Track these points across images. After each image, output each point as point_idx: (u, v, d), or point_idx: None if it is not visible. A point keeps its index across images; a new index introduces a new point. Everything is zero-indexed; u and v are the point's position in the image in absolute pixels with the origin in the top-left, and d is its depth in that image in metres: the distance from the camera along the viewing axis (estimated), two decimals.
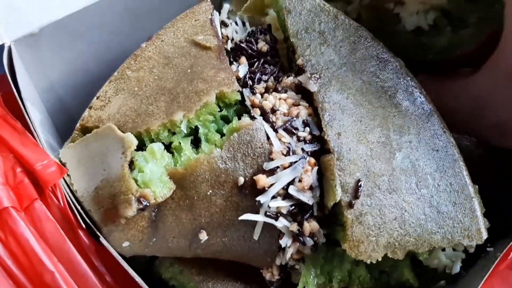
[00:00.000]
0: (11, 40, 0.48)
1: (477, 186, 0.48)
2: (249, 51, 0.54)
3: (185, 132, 0.47)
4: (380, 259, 0.45)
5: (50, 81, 0.57)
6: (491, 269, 0.46)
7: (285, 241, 0.46)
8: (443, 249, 0.48)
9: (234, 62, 0.53)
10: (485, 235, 0.46)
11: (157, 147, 0.45)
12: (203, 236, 0.46)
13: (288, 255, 0.46)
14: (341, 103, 0.48)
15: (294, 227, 0.45)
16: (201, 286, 0.50)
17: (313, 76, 0.49)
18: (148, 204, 0.42)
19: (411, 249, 0.44)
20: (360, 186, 0.44)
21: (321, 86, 0.48)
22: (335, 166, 0.44)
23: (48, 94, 0.57)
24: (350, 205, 0.44)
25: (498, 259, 0.46)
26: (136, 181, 0.43)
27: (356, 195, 0.44)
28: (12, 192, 0.42)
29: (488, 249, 0.51)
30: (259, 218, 0.45)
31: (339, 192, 0.43)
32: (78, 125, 0.48)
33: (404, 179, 0.45)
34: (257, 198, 0.43)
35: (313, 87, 0.48)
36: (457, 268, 0.48)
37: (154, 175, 0.43)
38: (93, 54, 0.60)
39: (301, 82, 0.49)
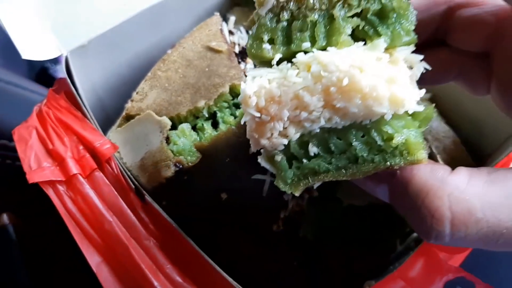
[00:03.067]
0: (67, 51, 0.59)
1: None
2: None
3: (206, 116, 0.58)
4: None
5: (92, 84, 0.68)
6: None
7: (287, 196, 0.58)
8: None
9: (242, 62, 0.65)
10: None
11: (186, 127, 0.56)
12: (224, 195, 0.58)
13: (290, 207, 0.59)
14: None
15: None
16: None
17: None
18: (182, 166, 0.54)
19: None
20: None
21: None
22: None
23: (90, 94, 0.68)
24: None
25: None
26: (172, 151, 0.55)
27: None
28: (78, 164, 0.53)
29: None
30: (267, 177, 0.57)
31: None
32: (123, 113, 0.60)
33: None
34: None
35: None
36: None
37: (186, 147, 0.55)
38: (124, 61, 0.71)
39: None
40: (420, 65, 0.36)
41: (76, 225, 0.52)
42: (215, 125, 0.59)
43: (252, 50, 0.37)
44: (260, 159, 0.38)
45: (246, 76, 0.61)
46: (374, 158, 0.35)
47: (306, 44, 0.36)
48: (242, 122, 0.37)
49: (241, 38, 0.69)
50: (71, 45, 0.60)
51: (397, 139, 0.34)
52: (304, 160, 0.36)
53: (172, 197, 0.57)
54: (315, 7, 0.36)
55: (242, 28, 0.70)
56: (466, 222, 0.33)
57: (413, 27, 0.37)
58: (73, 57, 0.61)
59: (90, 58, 0.64)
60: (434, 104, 0.37)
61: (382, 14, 0.36)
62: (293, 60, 0.36)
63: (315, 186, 0.38)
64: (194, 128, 0.58)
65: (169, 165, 0.54)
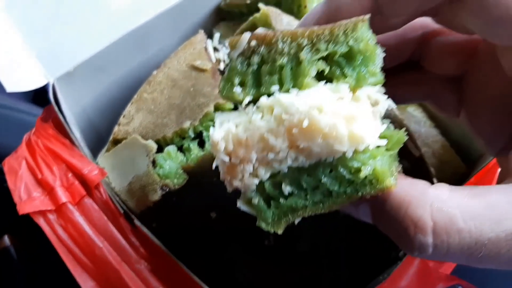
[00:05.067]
0: (53, 79, 0.60)
1: None
2: None
3: (193, 136, 0.58)
4: None
5: (82, 108, 0.69)
6: None
7: None
8: None
9: None
10: None
11: (172, 149, 0.57)
12: (213, 214, 0.59)
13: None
14: None
15: None
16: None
17: None
18: (169, 190, 0.55)
19: None
20: None
21: None
22: None
23: (81, 117, 0.69)
24: None
25: None
26: (158, 175, 0.55)
27: None
28: (67, 192, 0.55)
29: None
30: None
31: None
32: (110, 138, 0.61)
33: None
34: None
35: None
36: None
37: (172, 170, 0.56)
38: (113, 83, 0.72)
39: None
40: (385, 102, 0.37)
41: (68, 252, 0.53)
42: (202, 144, 0.59)
43: (224, 93, 0.38)
44: (239, 204, 0.38)
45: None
46: (346, 190, 0.35)
47: (275, 87, 0.37)
48: (213, 167, 0.37)
49: (227, 54, 0.69)
50: (58, 73, 0.61)
51: (364, 172, 0.34)
52: (281, 200, 0.37)
53: (162, 219, 0.58)
54: (284, 51, 0.36)
55: (227, 44, 0.71)
56: (448, 231, 0.33)
57: (379, 70, 0.37)
58: (60, 84, 0.62)
59: (77, 83, 0.65)
60: (404, 128, 0.38)
61: (349, 56, 0.37)
62: (257, 104, 0.36)
63: (296, 222, 0.38)
64: (181, 148, 0.59)
65: (156, 189, 0.55)
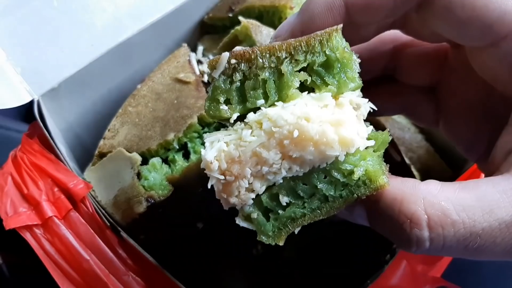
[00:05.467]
0: (38, 96, 0.61)
1: None
2: None
3: (177, 147, 0.59)
4: None
5: (68, 123, 0.69)
6: None
7: None
8: None
9: None
10: None
11: (156, 161, 0.58)
12: (200, 224, 0.59)
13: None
14: None
15: None
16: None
17: None
18: (154, 201, 0.55)
19: None
20: None
21: None
22: None
23: (67, 133, 0.69)
24: None
25: None
26: (143, 186, 0.56)
27: None
28: (53, 206, 0.55)
29: None
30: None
31: None
32: (96, 152, 0.62)
33: None
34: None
35: None
36: None
37: (157, 181, 0.56)
38: (99, 98, 0.72)
39: None
40: (367, 106, 0.38)
41: (56, 266, 0.53)
42: (187, 155, 0.60)
43: (210, 112, 0.38)
44: (238, 221, 0.39)
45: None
46: (341, 193, 0.36)
47: (260, 101, 0.38)
48: (209, 186, 0.38)
49: (207, 74, 0.70)
50: (42, 89, 0.62)
51: (357, 173, 0.36)
52: (280, 211, 0.37)
53: (149, 230, 0.58)
54: (264, 66, 0.37)
55: (211, 56, 0.72)
56: (442, 224, 0.33)
57: (357, 75, 0.39)
58: (45, 101, 0.62)
59: (62, 99, 0.66)
60: (388, 129, 0.39)
61: (328, 65, 0.38)
62: (245, 120, 0.37)
63: (296, 231, 0.38)
64: (166, 160, 0.59)
65: (141, 201, 0.55)
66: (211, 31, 0.80)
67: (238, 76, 0.38)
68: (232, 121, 0.38)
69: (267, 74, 0.38)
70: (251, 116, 0.37)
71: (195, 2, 0.75)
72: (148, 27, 0.69)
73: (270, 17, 0.72)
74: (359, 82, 0.39)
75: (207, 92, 0.63)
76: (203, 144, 0.59)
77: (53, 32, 0.64)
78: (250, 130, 0.37)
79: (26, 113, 1.03)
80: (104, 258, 0.54)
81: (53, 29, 0.64)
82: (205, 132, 0.60)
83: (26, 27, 0.62)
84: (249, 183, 0.37)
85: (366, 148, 0.37)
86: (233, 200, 0.37)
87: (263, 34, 0.66)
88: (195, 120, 0.59)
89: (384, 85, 0.50)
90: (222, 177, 0.36)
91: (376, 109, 0.38)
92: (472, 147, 0.48)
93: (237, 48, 0.39)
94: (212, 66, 0.38)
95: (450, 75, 0.47)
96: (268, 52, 0.37)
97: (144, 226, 0.57)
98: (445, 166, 0.72)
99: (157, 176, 0.57)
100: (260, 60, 0.37)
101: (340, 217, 0.42)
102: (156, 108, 0.62)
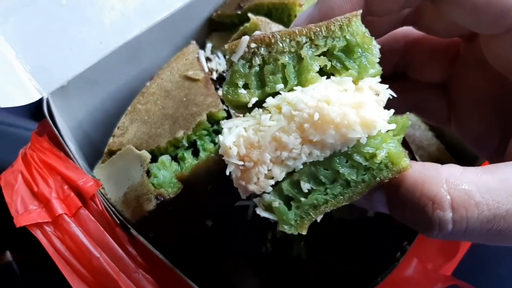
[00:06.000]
0: (47, 93, 0.61)
1: None
2: None
3: (186, 145, 0.59)
4: None
5: (78, 121, 0.70)
6: None
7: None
8: None
9: (220, 88, 0.65)
10: None
11: (166, 158, 0.58)
12: (209, 222, 0.59)
13: (278, 228, 0.59)
14: None
15: None
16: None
17: None
18: (163, 199, 0.55)
19: None
20: None
21: None
22: None
23: (77, 131, 0.70)
24: None
25: None
26: (153, 184, 0.56)
27: None
28: (63, 203, 0.55)
29: None
30: (250, 202, 0.58)
31: None
32: (105, 150, 0.62)
33: None
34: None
35: None
36: None
37: (166, 179, 0.56)
38: (108, 96, 0.72)
39: None
40: (386, 92, 0.37)
41: (66, 263, 0.53)
42: (196, 153, 0.60)
43: (229, 96, 0.38)
44: (258, 211, 0.38)
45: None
46: (363, 178, 0.36)
47: (280, 86, 0.37)
48: (227, 173, 0.37)
49: (219, 64, 0.70)
50: (51, 87, 0.62)
51: (380, 156, 0.35)
52: (302, 198, 0.37)
53: (159, 228, 0.58)
54: (284, 50, 0.37)
55: (219, 54, 0.72)
56: (466, 205, 0.33)
57: (377, 60, 0.38)
58: (54, 98, 0.63)
59: (71, 97, 0.66)
60: (408, 112, 0.38)
61: (348, 50, 0.38)
62: (264, 104, 0.37)
63: (318, 220, 0.38)
64: (175, 158, 0.59)
65: (151, 199, 0.55)
66: (219, 28, 0.79)
67: (257, 61, 0.38)
68: (250, 105, 0.38)
69: (286, 58, 0.37)
70: (270, 100, 0.37)
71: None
72: (156, 24, 0.69)
73: (279, 14, 0.72)
74: (379, 68, 0.38)
75: (216, 89, 0.64)
76: (212, 141, 0.59)
77: (62, 30, 0.64)
78: (269, 115, 0.36)
79: (35, 111, 1.03)
80: (114, 256, 0.54)
81: (62, 27, 0.64)
82: (215, 130, 0.60)
83: (35, 25, 0.62)
84: (268, 170, 0.36)
85: (387, 131, 0.36)
86: (252, 187, 0.37)
87: (273, 31, 0.66)
88: (204, 117, 0.59)
89: (395, 83, 0.50)
90: (241, 162, 0.36)
91: (395, 95, 0.38)
92: (484, 143, 0.47)
93: (257, 33, 0.39)
94: (231, 50, 0.38)
95: (462, 70, 0.47)
96: (288, 36, 0.37)
97: (153, 224, 0.57)
98: (456, 164, 0.72)
99: (167, 174, 0.57)
100: (280, 45, 0.37)
101: (359, 205, 0.41)
102: (165, 105, 0.62)
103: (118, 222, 0.56)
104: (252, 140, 0.36)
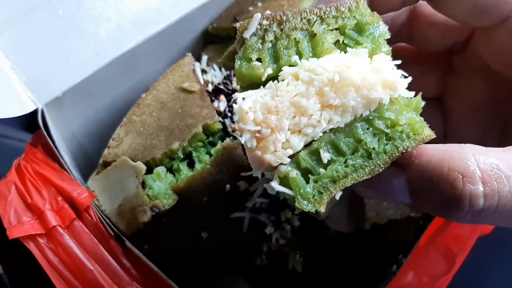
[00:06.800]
0: (42, 104, 0.61)
1: None
2: (226, 90, 0.66)
3: (182, 156, 0.59)
4: None
5: (72, 132, 0.69)
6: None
7: (269, 229, 0.58)
8: None
9: (216, 100, 0.66)
10: None
11: (161, 170, 0.58)
12: (204, 234, 0.59)
13: (274, 240, 0.59)
14: None
15: (273, 217, 0.58)
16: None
17: None
18: (158, 210, 0.55)
19: None
20: None
21: None
22: None
23: (71, 142, 0.69)
24: None
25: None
26: (148, 196, 0.56)
27: None
28: (57, 215, 0.55)
29: None
30: (246, 214, 0.58)
31: None
32: (100, 161, 0.61)
33: None
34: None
35: None
36: None
37: (161, 190, 0.56)
38: (103, 107, 0.72)
39: None
40: (398, 72, 0.37)
41: (59, 276, 0.53)
42: (191, 164, 0.59)
43: (243, 69, 0.37)
44: (273, 185, 0.36)
45: (220, 114, 0.62)
46: (385, 148, 0.35)
47: (295, 57, 0.37)
48: (243, 142, 0.35)
49: (214, 76, 0.70)
50: (46, 98, 0.62)
51: (403, 121, 0.35)
52: (320, 170, 0.36)
53: (153, 240, 0.58)
54: (296, 27, 0.37)
55: (215, 66, 0.72)
56: (496, 179, 0.32)
57: (388, 36, 0.39)
58: (49, 109, 0.62)
59: (66, 108, 0.66)
60: (420, 92, 0.38)
61: (359, 28, 0.38)
62: (280, 74, 0.37)
63: (337, 197, 0.36)
64: (170, 169, 0.59)
65: (146, 210, 0.55)
66: (215, 41, 0.80)
67: (270, 36, 0.38)
68: (264, 78, 0.37)
69: (299, 34, 0.38)
70: (286, 69, 0.37)
71: (199, 12, 0.75)
72: (152, 36, 0.69)
73: None
74: (389, 48, 0.39)
75: (211, 101, 0.64)
76: (208, 153, 0.59)
77: (58, 41, 0.64)
78: (286, 81, 0.36)
79: (29, 122, 1.03)
80: (108, 268, 0.54)
81: (58, 38, 0.64)
82: (210, 142, 0.60)
83: (31, 36, 0.62)
84: (286, 139, 0.35)
85: (406, 99, 0.36)
86: (268, 157, 0.35)
87: None
88: (200, 129, 0.59)
89: None
90: (258, 128, 0.34)
91: (407, 75, 0.38)
92: None
93: (268, 12, 0.39)
94: (243, 28, 0.38)
95: (456, 80, 0.47)
96: (299, 15, 0.38)
97: (148, 236, 0.57)
98: None
99: (162, 185, 0.56)
100: (292, 22, 0.38)
101: (375, 198, 0.40)
102: (160, 117, 0.62)
103: (113, 234, 0.55)
104: (269, 105, 0.35)
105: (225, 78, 0.70)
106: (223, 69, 0.72)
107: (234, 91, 0.66)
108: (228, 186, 0.57)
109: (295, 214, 0.59)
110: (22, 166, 0.57)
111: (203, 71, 0.71)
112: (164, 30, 0.71)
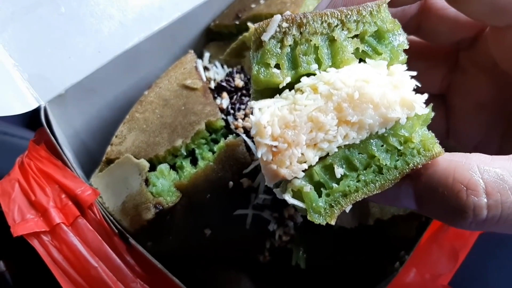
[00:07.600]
0: (45, 102, 0.61)
1: None
2: (229, 87, 0.66)
3: (185, 154, 0.59)
4: None
5: (74, 130, 0.69)
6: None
7: (272, 226, 0.59)
8: None
9: (218, 97, 0.66)
10: None
11: (164, 167, 0.58)
12: (207, 231, 0.59)
13: (277, 237, 0.59)
14: None
15: (276, 214, 0.58)
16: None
17: None
18: (162, 207, 0.55)
19: None
20: None
21: None
22: None
23: (73, 139, 0.69)
24: None
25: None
26: (151, 193, 0.56)
27: None
28: (61, 212, 0.55)
29: None
30: (249, 211, 0.58)
31: None
32: (103, 158, 0.61)
33: None
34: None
35: None
36: None
37: (165, 187, 0.56)
38: (105, 104, 0.72)
39: None
40: (413, 81, 0.37)
41: (63, 273, 0.53)
42: (194, 161, 0.60)
43: (261, 76, 0.36)
44: (287, 197, 0.36)
45: (222, 111, 0.62)
46: (396, 164, 0.36)
47: (314, 66, 0.37)
48: (259, 156, 0.35)
49: (217, 73, 0.70)
50: (49, 95, 0.62)
51: (416, 139, 0.35)
52: (333, 184, 0.36)
53: (157, 237, 0.58)
54: (317, 31, 0.37)
55: (217, 63, 0.72)
56: (500, 190, 0.33)
57: (407, 46, 0.38)
58: (51, 107, 0.62)
59: (69, 105, 0.66)
60: (431, 104, 0.38)
61: (379, 35, 0.38)
62: (297, 85, 0.36)
63: (347, 210, 0.36)
64: (173, 167, 0.59)
65: (149, 207, 0.55)
66: (217, 38, 0.80)
67: (289, 41, 0.37)
68: (282, 86, 0.37)
69: (319, 40, 0.37)
70: (305, 80, 0.36)
71: (201, 9, 0.75)
72: (154, 34, 0.69)
73: None
74: (405, 56, 0.39)
75: (214, 98, 0.64)
76: (210, 150, 0.59)
77: (60, 39, 0.64)
78: (305, 94, 0.35)
79: (30, 119, 1.03)
80: (112, 265, 0.54)
81: (60, 35, 0.64)
82: (213, 139, 0.60)
83: (34, 34, 0.62)
84: (301, 153, 0.35)
85: (416, 116, 0.36)
86: (283, 171, 0.35)
87: None
88: (202, 126, 0.59)
89: None
90: (275, 143, 0.34)
91: (420, 85, 0.38)
92: (483, 150, 0.47)
93: (288, 13, 0.38)
94: (262, 29, 0.37)
95: (462, 77, 0.47)
96: (320, 18, 0.37)
97: (152, 233, 0.57)
98: None
99: (165, 183, 0.57)
100: (312, 26, 0.37)
101: (384, 203, 0.40)
102: (163, 114, 0.62)
103: (116, 231, 0.55)
104: (287, 120, 0.34)
105: (227, 75, 0.69)
106: (225, 66, 0.72)
107: (236, 88, 0.66)
108: (231, 183, 0.57)
109: (298, 211, 0.59)
110: (25, 164, 0.57)
111: (205, 68, 0.71)
112: (166, 28, 0.71)
